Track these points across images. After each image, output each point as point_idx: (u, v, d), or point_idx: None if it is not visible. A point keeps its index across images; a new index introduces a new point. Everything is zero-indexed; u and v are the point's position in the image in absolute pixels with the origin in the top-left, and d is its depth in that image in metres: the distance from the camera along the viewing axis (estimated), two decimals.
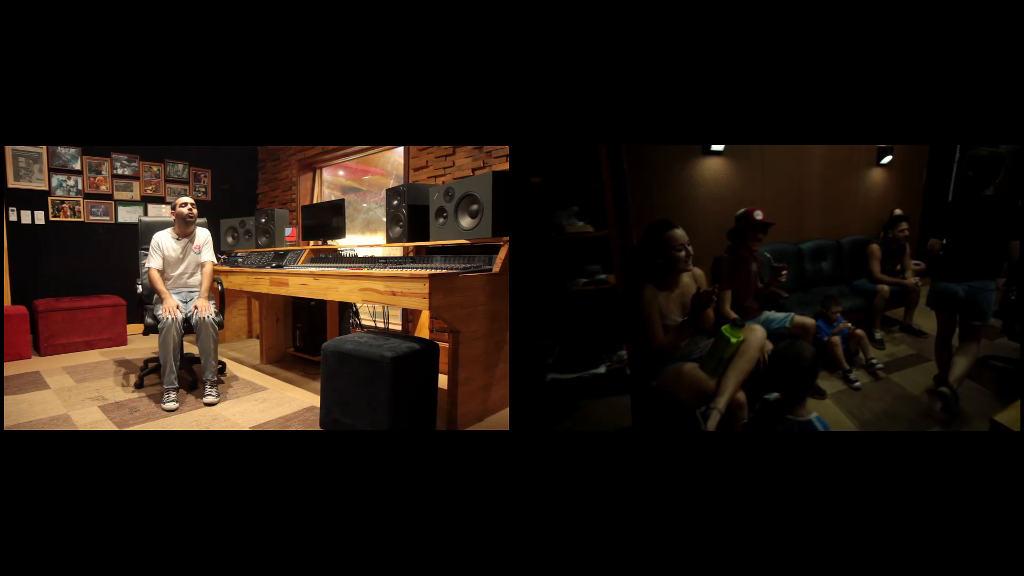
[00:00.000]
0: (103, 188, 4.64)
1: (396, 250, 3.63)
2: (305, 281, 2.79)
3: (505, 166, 3.18)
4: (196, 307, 2.73)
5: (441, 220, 2.74)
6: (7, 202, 4.09)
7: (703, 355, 1.87)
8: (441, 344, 2.51)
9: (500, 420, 2.52)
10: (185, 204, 2.91)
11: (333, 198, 4.85)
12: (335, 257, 3.44)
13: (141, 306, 3.05)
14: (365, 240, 4.80)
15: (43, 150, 4.27)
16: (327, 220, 3.64)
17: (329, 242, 3.68)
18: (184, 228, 2.95)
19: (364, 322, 4.16)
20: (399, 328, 4.20)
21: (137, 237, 3.31)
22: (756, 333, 1.84)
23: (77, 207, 4.49)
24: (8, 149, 4.08)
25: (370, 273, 2.42)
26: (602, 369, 2.27)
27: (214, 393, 2.73)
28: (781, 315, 2.43)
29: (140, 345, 4.13)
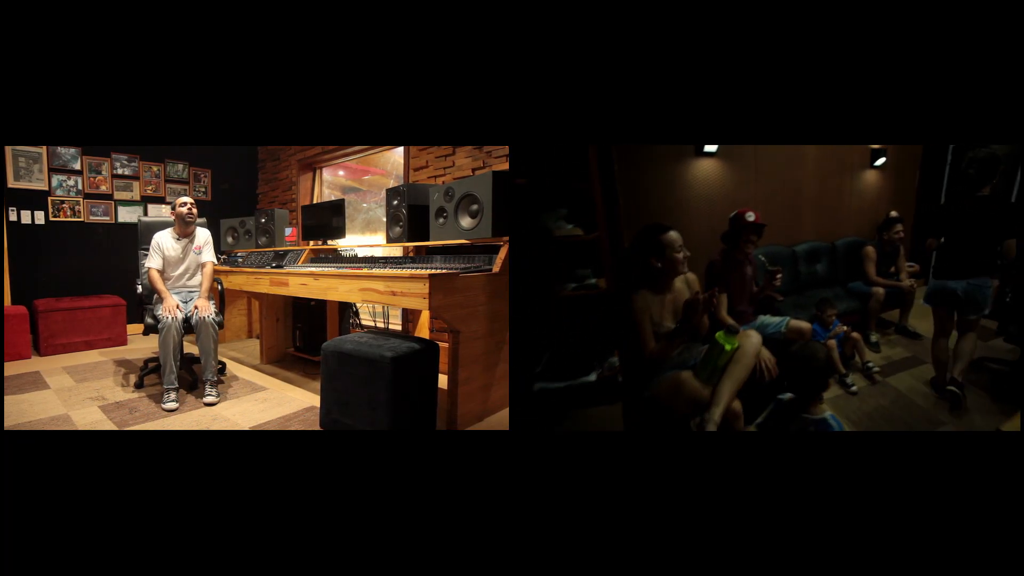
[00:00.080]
0: (103, 188, 4.65)
1: (396, 250, 3.63)
2: (305, 281, 2.79)
3: (505, 166, 3.18)
4: (196, 307, 2.73)
5: (441, 220, 2.74)
6: (7, 202, 4.09)
7: (697, 363, 1.83)
8: (441, 344, 2.51)
9: (500, 420, 2.52)
10: (185, 204, 2.91)
11: (333, 198, 4.84)
12: (335, 257, 3.44)
13: (141, 306, 3.05)
14: (365, 240, 4.80)
15: (43, 150, 4.27)
16: (327, 220, 3.64)
17: (329, 242, 3.68)
18: (184, 228, 2.95)
19: (364, 322, 4.16)
20: (399, 328, 4.20)
21: (137, 237, 3.31)
22: (751, 339, 1.81)
23: (77, 207, 4.49)
24: (8, 149, 4.08)
25: (370, 273, 2.42)
26: (593, 377, 2.19)
27: (214, 393, 2.73)
28: (776, 319, 2.40)
29: (140, 345, 4.13)
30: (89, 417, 2.47)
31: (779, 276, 2.32)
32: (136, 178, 4.85)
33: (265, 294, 3.46)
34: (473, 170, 3.43)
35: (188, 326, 2.73)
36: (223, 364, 3.35)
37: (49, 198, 4.34)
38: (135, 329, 3.60)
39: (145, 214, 4.71)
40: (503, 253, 2.47)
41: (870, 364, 2.64)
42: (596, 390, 2.20)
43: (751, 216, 2.28)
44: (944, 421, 2.15)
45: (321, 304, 3.62)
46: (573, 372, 2.23)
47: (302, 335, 3.80)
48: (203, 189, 5.38)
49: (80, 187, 4.50)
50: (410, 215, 2.94)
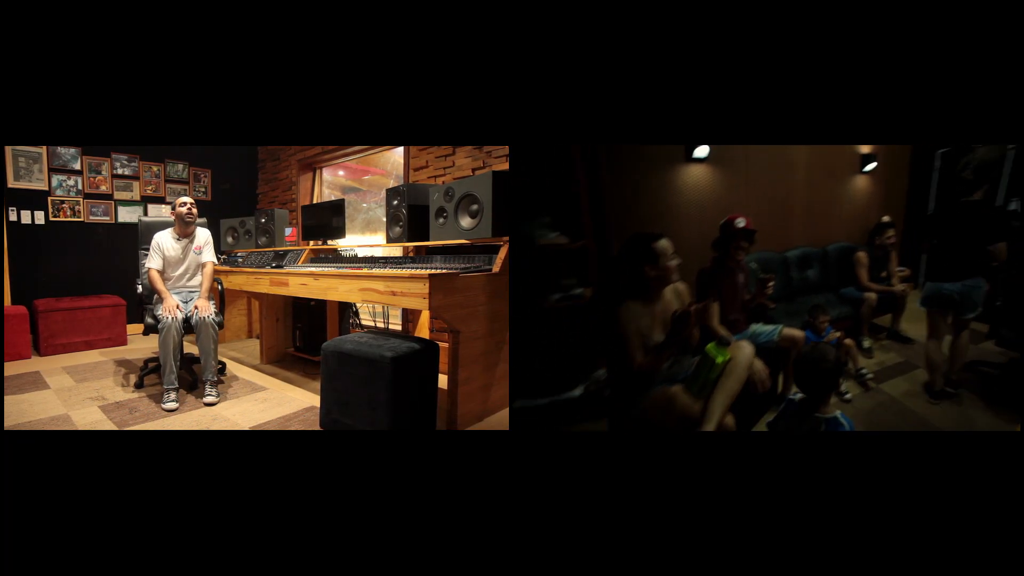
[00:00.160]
0: (103, 188, 4.64)
1: (396, 250, 3.63)
2: (305, 281, 2.79)
3: (505, 166, 3.18)
4: (196, 307, 2.73)
5: (441, 220, 2.74)
6: (7, 202, 4.09)
7: (688, 376, 1.78)
8: (441, 344, 2.51)
9: (500, 420, 2.52)
10: (184, 204, 2.91)
11: (333, 198, 4.84)
12: (335, 257, 3.44)
13: (141, 306, 3.05)
14: (365, 240, 4.80)
15: (43, 150, 4.27)
16: (327, 220, 3.64)
17: (329, 242, 3.68)
18: (184, 228, 2.94)
19: (364, 322, 4.16)
20: (399, 328, 4.20)
21: (137, 237, 3.31)
22: (743, 351, 1.75)
23: (77, 207, 4.49)
24: (8, 149, 4.07)
25: (370, 273, 2.42)
26: (578, 392, 2.08)
27: (214, 393, 2.73)
28: (769, 328, 2.36)
29: (140, 345, 4.13)
30: (89, 417, 2.47)
31: (771, 284, 2.27)
32: (136, 178, 4.85)
33: (265, 294, 3.46)
34: (473, 170, 3.43)
35: (188, 326, 2.73)
36: (223, 364, 3.35)
37: (49, 198, 4.34)
38: (135, 329, 3.60)
39: (145, 214, 4.71)
40: (503, 253, 2.47)
41: (863, 371, 2.63)
42: (581, 406, 2.08)
43: (742, 222, 2.24)
44: (939, 426, 2.16)
45: (321, 304, 3.62)
46: (557, 387, 2.10)
47: (302, 335, 3.80)
48: (203, 189, 5.38)
49: (80, 187, 4.50)
50: (410, 215, 2.94)
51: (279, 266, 3.31)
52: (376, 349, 2.14)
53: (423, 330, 3.61)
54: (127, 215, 4.75)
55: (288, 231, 4.00)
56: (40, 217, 4.30)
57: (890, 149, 4.13)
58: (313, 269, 2.87)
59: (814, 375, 1.44)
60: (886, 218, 3.42)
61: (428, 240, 2.84)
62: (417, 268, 2.52)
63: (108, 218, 4.68)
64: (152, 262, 2.88)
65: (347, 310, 3.74)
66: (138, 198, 4.86)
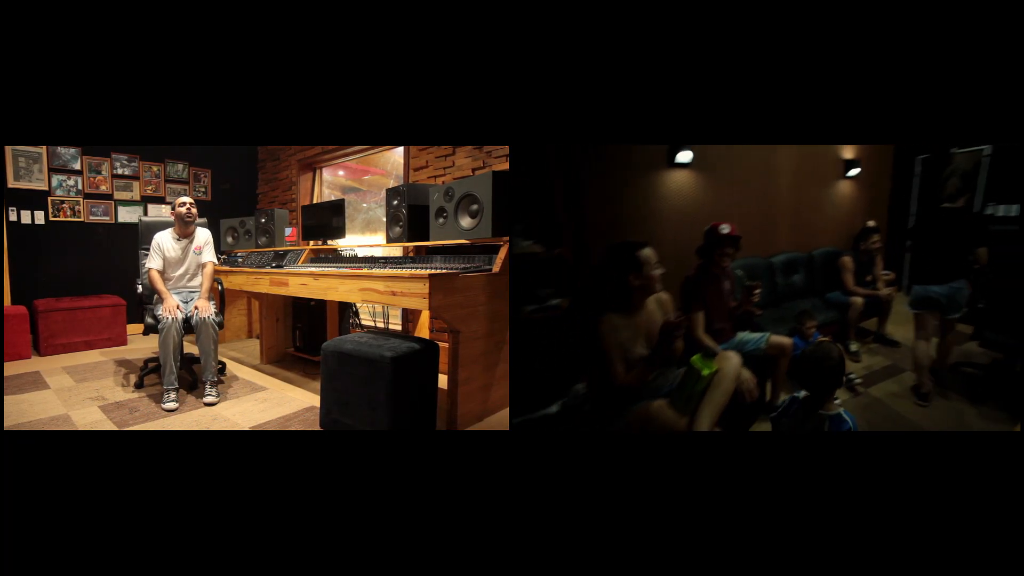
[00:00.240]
0: (103, 188, 4.64)
1: (396, 250, 3.63)
2: (305, 281, 2.79)
3: (505, 166, 3.18)
4: (196, 307, 2.73)
5: (441, 220, 2.74)
6: (7, 202, 4.09)
7: (673, 390, 1.73)
8: (441, 344, 2.51)
9: (500, 420, 2.52)
10: (184, 204, 2.91)
11: (333, 198, 4.84)
12: (335, 257, 3.44)
13: (141, 306, 3.05)
14: (365, 240, 4.80)
15: (43, 150, 4.27)
16: (327, 220, 3.64)
17: (329, 242, 3.68)
18: (184, 228, 2.94)
19: (364, 322, 4.16)
20: (399, 328, 4.20)
21: (137, 237, 3.31)
22: (730, 362, 1.70)
23: (77, 207, 4.49)
24: (8, 149, 4.07)
25: (370, 273, 2.42)
26: (555, 408, 1.96)
27: (214, 393, 2.73)
28: (756, 335, 2.33)
29: (140, 345, 4.13)
30: (89, 417, 2.47)
31: (757, 291, 2.23)
32: (136, 178, 4.85)
33: (265, 294, 3.46)
34: (473, 170, 3.43)
35: (188, 326, 2.73)
36: (223, 364, 3.35)
37: (49, 198, 4.34)
38: (135, 329, 3.60)
39: (145, 214, 4.71)
40: (503, 253, 2.47)
41: (852, 375, 2.61)
42: (559, 423, 1.98)
43: (726, 228, 2.19)
44: (927, 428, 2.20)
45: (321, 304, 3.62)
46: (532, 404, 1.97)
47: (302, 335, 3.80)
48: (203, 189, 5.38)
49: (80, 187, 4.50)
50: (410, 215, 2.94)
51: (279, 266, 3.31)
52: (376, 349, 2.14)
53: (423, 330, 3.61)
54: (127, 215, 4.75)
55: (288, 231, 4.00)
56: (40, 217, 4.30)
57: (872, 154, 4.18)
58: (313, 269, 2.87)
59: (818, 373, 1.44)
60: (871, 223, 3.47)
61: (428, 240, 2.84)
62: (417, 268, 2.52)
63: (108, 218, 4.68)
64: (152, 262, 2.88)
65: (347, 310, 3.74)
66: (138, 198, 4.86)
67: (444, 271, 2.28)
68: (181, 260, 2.96)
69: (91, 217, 4.58)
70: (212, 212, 4.61)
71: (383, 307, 4.28)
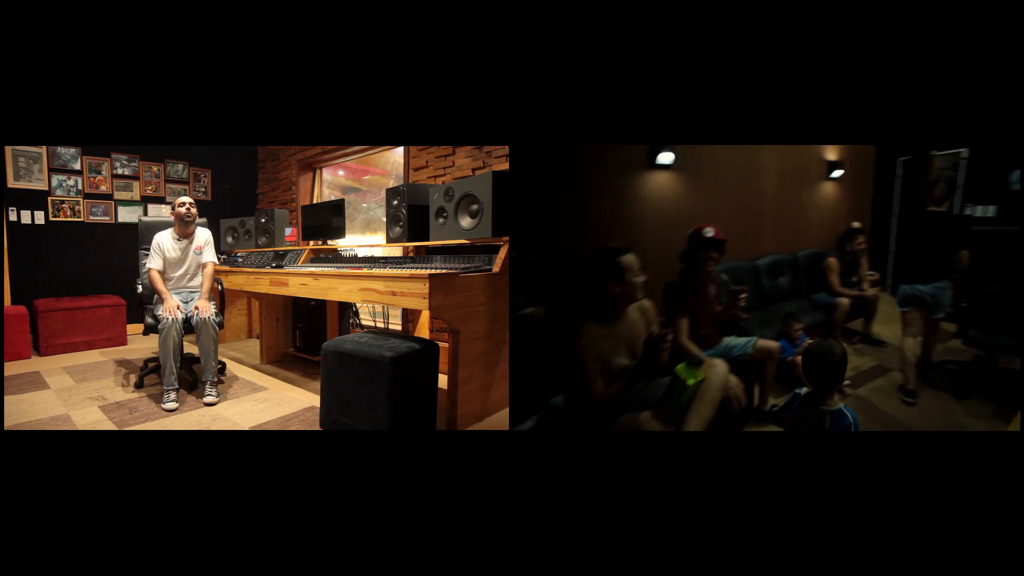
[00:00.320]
0: (103, 188, 4.65)
1: (396, 250, 3.63)
2: (305, 281, 2.79)
3: (505, 166, 3.18)
4: (196, 307, 2.73)
5: (441, 220, 2.74)
6: (7, 202, 4.09)
7: (657, 401, 1.67)
8: (441, 344, 2.51)
9: (500, 420, 2.52)
10: (184, 204, 2.90)
11: (333, 198, 4.84)
12: (335, 257, 3.44)
13: (141, 306, 3.05)
14: (365, 240, 4.80)
15: (43, 150, 4.27)
16: (327, 220, 3.64)
17: (329, 242, 3.68)
18: (184, 228, 2.94)
19: (364, 322, 4.16)
20: (399, 328, 4.20)
21: (137, 237, 3.31)
22: (717, 370, 1.64)
23: (77, 207, 4.49)
24: (8, 149, 4.07)
25: (370, 273, 2.42)
26: (529, 424, 1.89)
27: (214, 393, 2.73)
28: (742, 340, 2.27)
29: (140, 345, 4.13)
30: (89, 417, 2.47)
31: (743, 296, 2.16)
32: (136, 178, 4.85)
33: (265, 294, 3.46)
34: (473, 170, 3.43)
35: (188, 326, 2.73)
36: (223, 364, 3.35)
37: (49, 198, 4.34)
38: (135, 329, 3.60)
39: (145, 214, 4.71)
40: (503, 253, 2.47)
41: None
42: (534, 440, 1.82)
43: (710, 232, 2.11)
44: (913, 427, 2.22)
45: (321, 304, 3.62)
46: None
47: (302, 335, 3.80)
48: (203, 189, 5.38)
49: (80, 187, 4.50)
50: (410, 215, 2.94)
51: (279, 266, 3.31)
52: (376, 349, 2.14)
53: (423, 330, 3.61)
54: (127, 215, 4.75)
55: (288, 231, 4.00)
56: (40, 217, 4.30)
57: (855, 156, 4.20)
58: (313, 269, 2.87)
59: (821, 369, 1.45)
60: (856, 224, 3.49)
61: (428, 240, 2.84)
62: (417, 268, 2.52)
63: (108, 218, 4.68)
64: (153, 262, 2.88)
65: (347, 310, 3.74)
66: (138, 198, 4.86)
67: (444, 271, 2.28)
68: (181, 260, 2.96)
69: (91, 217, 4.58)
70: (212, 212, 4.61)
71: (383, 307, 4.28)
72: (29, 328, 3.82)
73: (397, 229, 3.03)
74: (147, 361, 3.12)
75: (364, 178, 5.38)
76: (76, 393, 2.86)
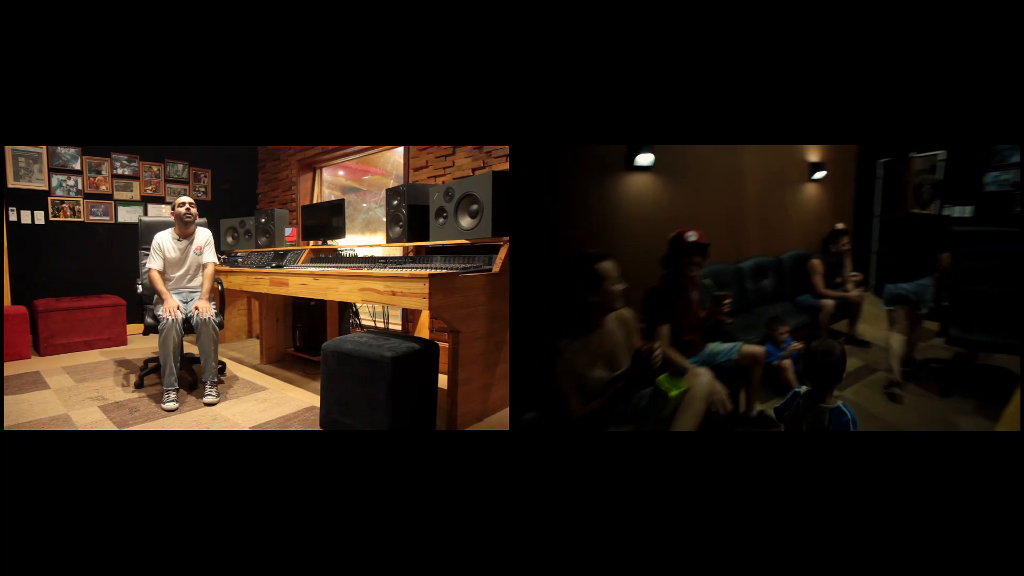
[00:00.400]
0: (103, 188, 4.65)
1: (396, 250, 3.63)
2: (305, 281, 2.79)
3: (505, 166, 3.18)
4: (197, 308, 2.73)
5: (441, 220, 2.74)
6: (7, 202, 4.09)
7: (639, 414, 1.61)
8: (441, 344, 2.51)
9: (500, 420, 2.52)
10: (183, 204, 2.90)
11: (333, 198, 4.85)
12: (335, 257, 3.44)
13: (141, 306, 3.05)
14: (365, 240, 4.80)
15: (43, 150, 4.27)
16: (327, 220, 3.64)
17: (329, 242, 3.68)
18: (184, 229, 2.94)
19: (364, 322, 4.16)
20: (399, 328, 4.20)
21: (137, 237, 3.31)
22: (701, 379, 1.58)
23: (77, 207, 4.49)
24: (8, 149, 4.07)
25: (370, 273, 2.42)
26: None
27: (214, 393, 2.73)
28: (727, 346, 2.23)
29: (140, 345, 4.13)
30: (89, 417, 2.47)
31: (727, 301, 2.11)
32: (136, 178, 4.85)
33: (265, 294, 3.46)
34: (473, 170, 3.43)
35: (188, 326, 2.73)
36: (223, 364, 3.35)
37: (49, 198, 4.34)
38: (135, 329, 3.60)
39: (145, 214, 4.71)
40: (503, 253, 2.47)
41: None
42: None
43: (693, 236, 2.04)
44: (897, 426, 2.26)
45: (321, 304, 3.62)
46: None
47: (302, 335, 3.80)
48: (203, 189, 5.38)
49: (80, 187, 4.50)
50: (410, 215, 2.94)
51: (279, 266, 3.31)
52: (376, 349, 2.14)
53: (423, 330, 3.61)
54: (127, 215, 4.75)
55: (288, 231, 4.00)
56: (40, 217, 4.30)
57: (837, 157, 4.23)
58: (313, 269, 2.87)
59: (821, 368, 1.50)
60: (840, 225, 3.51)
61: (428, 240, 2.84)
62: (417, 268, 2.52)
63: (108, 218, 4.68)
64: (153, 262, 2.88)
65: (347, 310, 3.74)
66: (138, 198, 4.86)
67: (444, 271, 2.28)
68: (181, 261, 2.96)
69: (91, 217, 4.58)
70: (212, 212, 4.61)
71: (383, 307, 4.28)
72: (29, 328, 3.82)
73: (397, 229, 3.03)
74: (147, 361, 3.12)
75: (364, 178, 5.38)
76: (76, 393, 2.86)
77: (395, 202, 3.03)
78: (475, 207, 2.52)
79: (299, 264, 3.34)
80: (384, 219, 3.15)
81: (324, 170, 5.32)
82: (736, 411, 2.13)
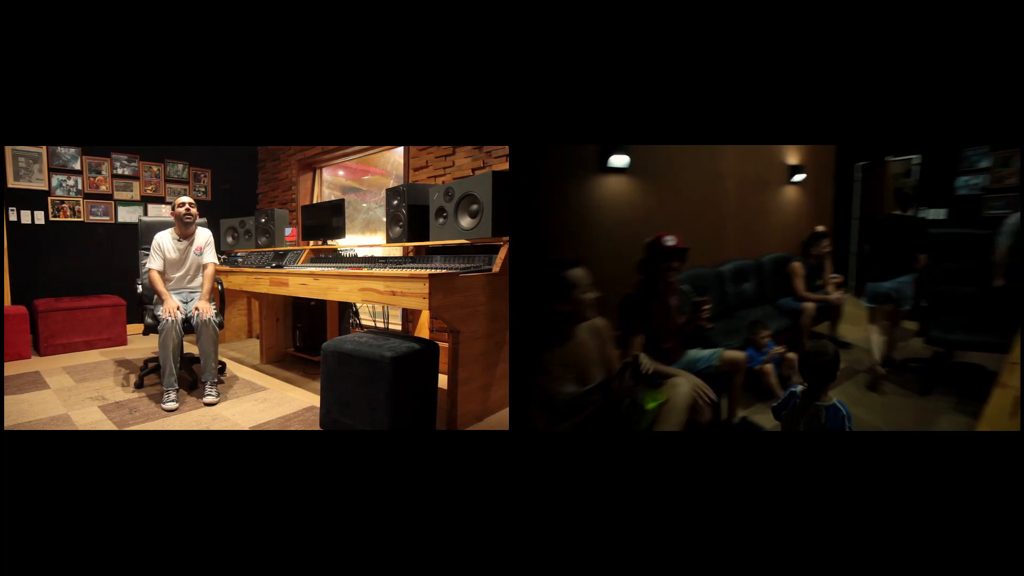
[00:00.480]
0: (103, 188, 4.65)
1: (396, 250, 3.63)
2: (305, 281, 2.79)
3: (505, 166, 3.18)
4: (197, 308, 2.73)
5: (441, 220, 2.74)
6: (7, 202, 4.09)
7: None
8: (441, 344, 2.51)
9: (500, 420, 2.52)
10: (183, 204, 2.89)
11: (333, 198, 4.85)
12: (335, 257, 3.44)
13: (141, 306, 3.04)
14: (365, 240, 4.80)
15: (43, 150, 4.27)
16: (327, 220, 3.64)
17: (329, 242, 3.68)
18: (184, 229, 2.94)
19: (364, 322, 4.16)
20: (399, 328, 4.20)
21: (137, 237, 3.31)
22: (679, 390, 1.51)
23: (77, 207, 4.49)
24: (8, 149, 4.07)
25: (370, 273, 2.42)
26: None
27: (214, 393, 2.73)
28: (707, 352, 2.18)
29: (140, 345, 4.13)
30: (89, 417, 2.47)
31: (707, 308, 2.03)
32: (136, 178, 4.85)
33: (265, 294, 3.46)
34: (473, 170, 3.43)
35: (188, 326, 2.73)
36: (223, 364, 3.35)
37: (49, 198, 4.34)
38: (135, 329, 3.60)
39: (145, 214, 4.71)
40: (503, 253, 2.47)
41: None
42: None
43: (671, 240, 1.96)
44: (881, 427, 2.30)
45: (321, 304, 3.62)
46: None
47: (302, 335, 3.80)
48: (203, 189, 5.38)
49: (80, 187, 4.50)
50: (410, 215, 2.94)
51: (279, 266, 3.31)
52: (376, 349, 2.14)
53: (423, 330, 3.61)
54: (127, 215, 4.75)
55: (288, 231, 4.00)
56: (40, 217, 4.30)
57: (815, 159, 4.25)
58: (313, 269, 2.87)
59: (816, 367, 1.56)
60: (820, 228, 3.54)
61: (428, 240, 2.84)
62: (417, 268, 2.52)
63: (108, 218, 4.68)
64: (153, 263, 2.87)
65: (347, 310, 3.74)
66: (138, 198, 4.86)
67: (444, 271, 2.28)
68: (181, 262, 2.95)
69: (91, 217, 4.58)
70: (212, 212, 4.61)
71: (383, 307, 4.28)
72: (29, 328, 3.82)
73: (397, 229, 3.03)
74: (147, 361, 3.12)
75: (364, 178, 5.38)
76: (76, 393, 2.86)
77: (395, 202, 3.03)
78: (475, 207, 2.52)
79: (299, 264, 3.34)
80: (384, 219, 3.15)
81: (324, 170, 5.32)
82: (718, 418, 2.09)
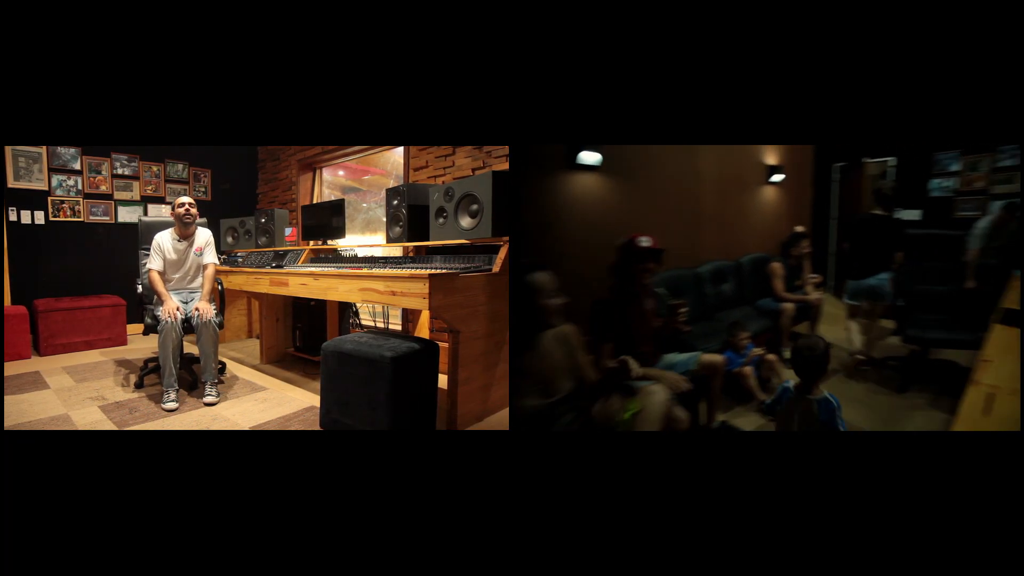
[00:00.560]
0: (103, 188, 4.65)
1: (396, 250, 3.63)
2: (305, 281, 2.79)
3: (505, 166, 3.18)
4: (197, 309, 2.72)
5: (441, 220, 2.74)
6: (7, 202, 4.09)
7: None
8: (441, 344, 2.51)
9: (500, 420, 2.52)
10: (183, 205, 2.88)
11: (333, 198, 4.85)
12: (335, 257, 3.44)
13: (141, 306, 3.04)
14: (365, 240, 4.80)
15: (43, 150, 4.27)
16: (327, 220, 3.64)
17: (329, 242, 3.68)
18: (184, 229, 2.93)
19: (364, 322, 4.16)
20: (399, 328, 4.20)
21: (137, 237, 3.31)
22: (654, 397, 1.47)
23: (77, 207, 4.49)
24: (8, 149, 4.07)
25: (370, 273, 2.42)
26: None
27: (214, 393, 2.73)
28: (685, 356, 2.13)
29: (140, 345, 4.13)
30: (89, 417, 2.47)
31: (683, 311, 1.96)
32: (136, 178, 4.85)
33: (265, 294, 3.46)
34: (473, 170, 3.43)
35: (188, 326, 2.72)
36: (223, 364, 3.35)
37: (49, 198, 4.34)
38: (135, 329, 3.60)
39: (145, 214, 4.71)
40: (503, 253, 2.47)
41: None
42: None
43: (646, 241, 1.88)
44: (865, 426, 2.33)
45: (321, 304, 3.62)
46: None
47: (302, 335, 3.80)
48: (203, 189, 5.38)
49: (80, 187, 4.50)
50: (410, 215, 2.94)
51: (279, 266, 3.31)
52: (376, 349, 2.14)
53: (423, 330, 3.61)
54: (127, 215, 4.75)
55: (288, 231, 4.00)
56: (40, 217, 4.30)
57: (794, 160, 4.26)
58: (313, 269, 2.87)
59: (807, 362, 1.62)
60: (799, 228, 3.55)
61: (428, 240, 2.84)
62: (417, 268, 2.52)
63: (108, 218, 4.68)
64: (153, 263, 2.87)
65: (347, 310, 3.74)
66: (138, 198, 4.86)
67: (444, 271, 2.28)
68: (181, 262, 2.95)
69: (91, 217, 4.58)
70: (212, 212, 4.61)
71: (383, 307, 4.28)
72: (29, 328, 3.82)
73: (397, 229, 3.03)
74: (147, 361, 3.12)
75: (364, 178, 5.38)
76: (76, 393, 2.86)
77: (395, 202, 3.03)
78: (475, 207, 2.52)
79: (299, 264, 3.34)
80: (384, 219, 3.15)
81: (324, 170, 5.32)
82: (696, 423, 2.06)
